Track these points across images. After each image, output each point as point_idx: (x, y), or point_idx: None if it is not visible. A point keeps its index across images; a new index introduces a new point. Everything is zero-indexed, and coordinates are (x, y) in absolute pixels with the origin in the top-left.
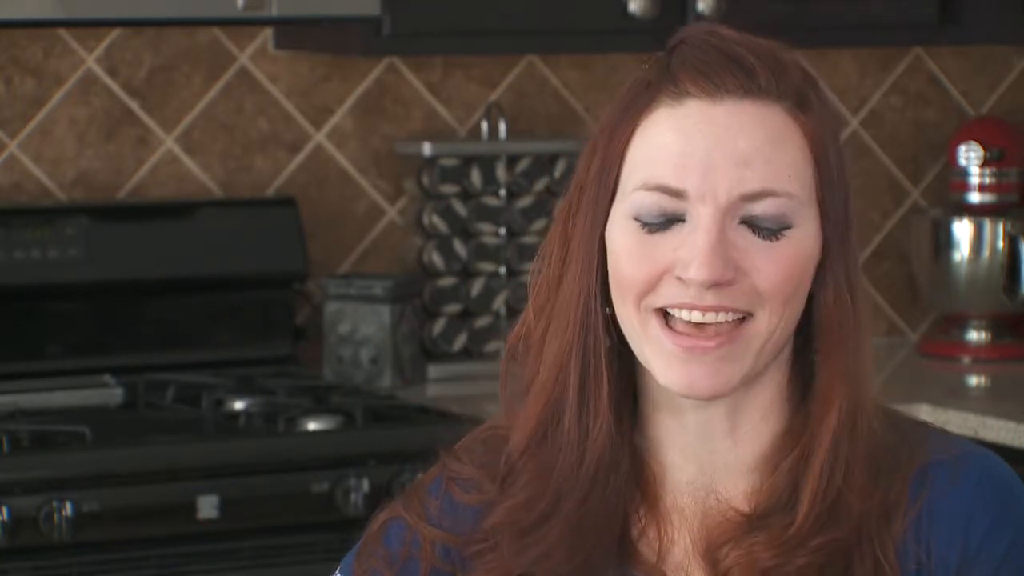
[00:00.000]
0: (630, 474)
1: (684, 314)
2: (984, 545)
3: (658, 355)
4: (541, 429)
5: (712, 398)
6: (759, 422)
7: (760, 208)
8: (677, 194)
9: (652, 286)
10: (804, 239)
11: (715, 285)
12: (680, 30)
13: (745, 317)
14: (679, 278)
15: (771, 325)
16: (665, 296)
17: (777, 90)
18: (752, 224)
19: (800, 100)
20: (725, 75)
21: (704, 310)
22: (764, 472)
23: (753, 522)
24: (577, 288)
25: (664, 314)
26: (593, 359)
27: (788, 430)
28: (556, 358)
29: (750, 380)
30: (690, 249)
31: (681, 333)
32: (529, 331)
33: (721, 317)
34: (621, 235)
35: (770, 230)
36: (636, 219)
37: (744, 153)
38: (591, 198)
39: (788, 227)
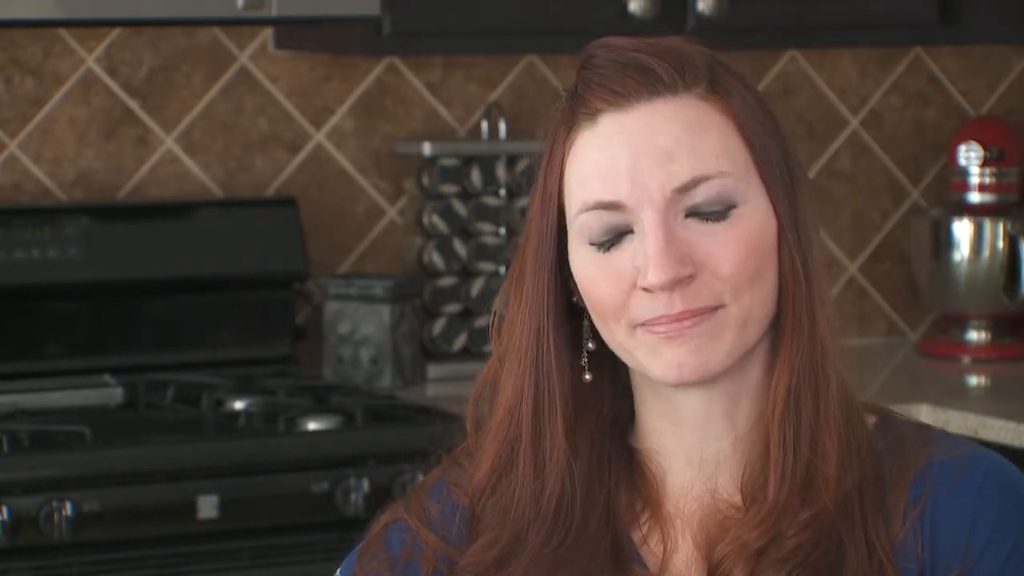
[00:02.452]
0: (630, 483)
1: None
2: (988, 548)
3: (647, 353)
4: (498, 469)
5: (699, 380)
6: (757, 421)
7: (699, 195)
8: (615, 207)
9: (624, 303)
10: (753, 213)
11: (675, 284)
12: (584, 51)
13: (716, 308)
14: (643, 288)
15: (742, 309)
16: (638, 311)
17: (683, 81)
18: (697, 213)
19: (710, 83)
20: (628, 82)
21: (678, 319)
22: (748, 456)
23: (743, 510)
24: (528, 328)
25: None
26: (547, 397)
27: (763, 409)
28: (509, 398)
29: (740, 361)
30: (642, 256)
31: (663, 326)
32: (494, 374)
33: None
34: (581, 264)
35: (716, 212)
36: (589, 243)
37: (665, 149)
38: (536, 235)
39: (733, 205)
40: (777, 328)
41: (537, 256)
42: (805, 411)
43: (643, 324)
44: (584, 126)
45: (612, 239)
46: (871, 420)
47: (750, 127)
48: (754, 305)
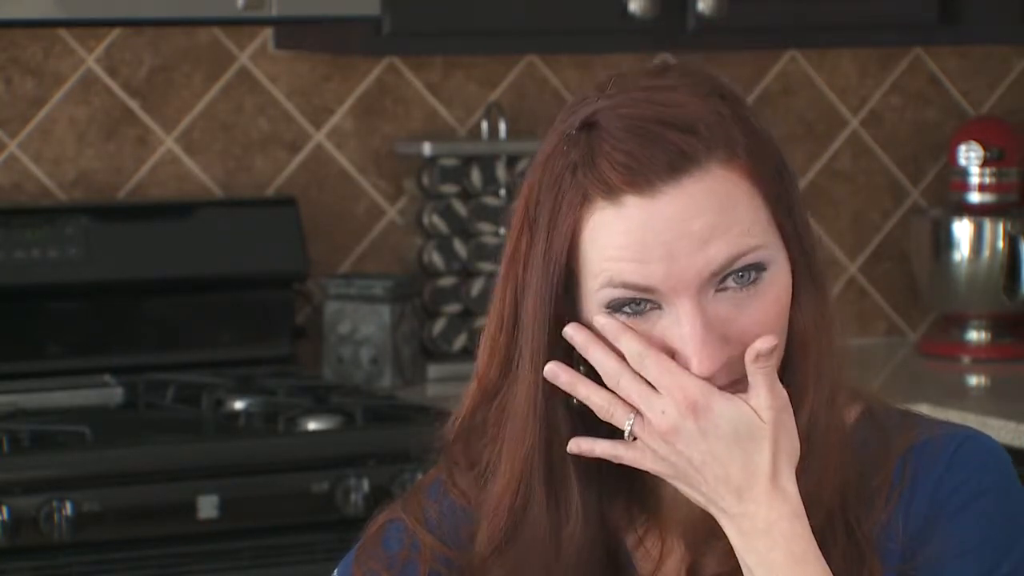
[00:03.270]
0: (625, 490)
1: None
2: (950, 497)
3: None
4: (510, 527)
5: None
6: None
7: (732, 271)
8: (647, 290)
9: None
10: (778, 273)
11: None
12: (583, 101)
13: None
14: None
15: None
16: None
17: (707, 150)
18: (728, 284)
19: (728, 143)
20: (653, 163)
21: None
22: None
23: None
24: (531, 385)
25: None
26: (559, 461)
27: None
28: (517, 465)
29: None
30: (679, 340)
31: None
32: (481, 413)
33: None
34: (600, 326)
35: (746, 279)
36: (611, 309)
37: (700, 234)
38: (536, 295)
39: (764, 269)
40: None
41: (536, 316)
42: (812, 461)
43: None
44: (602, 203)
45: (640, 311)
46: (856, 410)
47: (769, 185)
48: (777, 355)
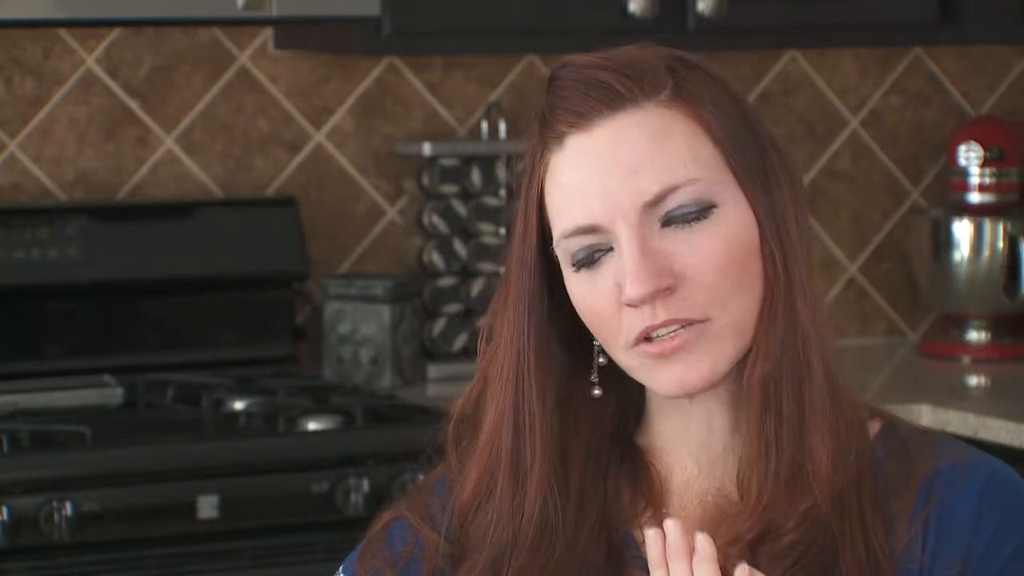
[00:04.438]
0: (632, 480)
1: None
2: (990, 547)
3: (647, 373)
4: (479, 495)
5: (705, 389)
6: (757, 419)
7: (671, 204)
8: (592, 229)
9: (616, 322)
10: (733, 214)
11: (655, 297)
12: (550, 73)
13: (704, 322)
14: (627, 304)
15: (732, 318)
16: (630, 326)
17: (643, 91)
18: (673, 220)
19: (674, 88)
20: (588, 101)
21: (662, 325)
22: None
23: (738, 504)
24: (508, 355)
25: (645, 340)
26: (527, 422)
27: None
28: (490, 425)
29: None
30: (621, 273)
31: (655, 343)
32: (478, 394)
33: (675, 330)
34: (573, 288)
35: (693, 213)
36: (573, 266)
37: (630, 163)
38: (518, 262)
39: (711, 206)
40: None
41: (518, 283)
42: (787, 404)
43: (636, 343)
44: (553, 150)
45: (594, 259)
46: (875, 426)
47: (719, 127)
48: (744, 310)
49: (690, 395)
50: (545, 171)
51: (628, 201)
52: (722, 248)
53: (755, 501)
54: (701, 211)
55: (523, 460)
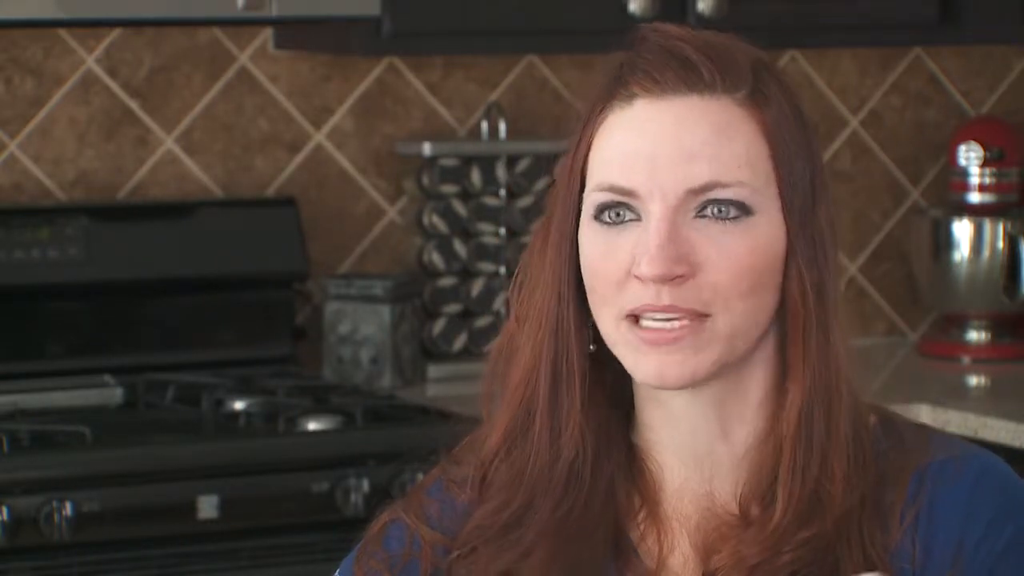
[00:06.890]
0: (629, 477)
1: (649, 322)
2: (983, 541)
3: (630, 351)
4: (513, 433)
5: (683, 387)
6: (750, 421)
7: (715, 197)
8: (628, 193)
9: (617, 287)
10: (765, 227)
11: (668, 280)
12: (638, 31)
13: (704, 317)
14: (637, 276)
15: (731, 321)
16: (630, 298)
17: (723, 84)
18: (707, 212)
19: (752, 91)
20: (668, 72)
21: (661, 310)
22: (752, 470)
23: (742, 521)
24: (549, 293)
25: (635, 319)
26: (565, 363)
27: (773, 427)
28: (528, 362)
29: (728, 371)
30: (642, 246)
31: (648, 330)
32: (511, 339)
33: (677, 323)
34: (586, 239)
35: (725, 213)
36: (596, 219)
37: (688, 148)
38: (562, 205)
39: (747, 213)
40: (784, 347)
41: (561, 225)
42: (817, 433)
43: (629, 317)
44: (618, 106)
45: (619, 221)
46: (871, 421)
47: (780, 139)
48: (745, 318)
49: (666, 388)
50: (603, 122)
51: (673, 183)
52: (745, 254)
53: (771, 528)
54: (738, 214)
55: (561, 402)
